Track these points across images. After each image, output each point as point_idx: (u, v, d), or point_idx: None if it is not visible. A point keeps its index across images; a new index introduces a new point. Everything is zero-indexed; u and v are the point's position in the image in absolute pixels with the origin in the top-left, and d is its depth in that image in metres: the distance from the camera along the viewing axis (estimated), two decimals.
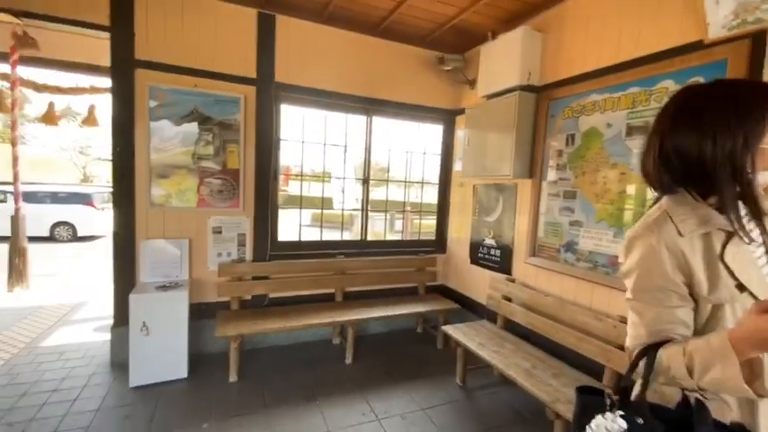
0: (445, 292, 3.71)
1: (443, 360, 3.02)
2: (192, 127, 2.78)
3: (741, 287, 0.76)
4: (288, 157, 3.55)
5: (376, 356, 3.08)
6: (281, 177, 3.35)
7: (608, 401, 0.79)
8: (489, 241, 3.18)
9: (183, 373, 2.58)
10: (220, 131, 2.85)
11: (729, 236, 0.79)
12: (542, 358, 2.37)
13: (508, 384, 2.63)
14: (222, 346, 2.87)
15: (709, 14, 1.70)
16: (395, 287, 3.56)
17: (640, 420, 0.74)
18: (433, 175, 3.88)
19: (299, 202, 3.35)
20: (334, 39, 3.14)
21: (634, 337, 0.84)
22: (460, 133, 3.52)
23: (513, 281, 2.87)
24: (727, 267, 0.77)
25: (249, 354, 2.95)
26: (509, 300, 2.81)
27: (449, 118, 3.72)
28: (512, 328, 2.76)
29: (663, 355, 0.76)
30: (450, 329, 2.75)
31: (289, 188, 3.85)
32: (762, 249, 0.82)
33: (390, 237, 4.11)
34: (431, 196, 3.94)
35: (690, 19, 1.81)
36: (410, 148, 3.76)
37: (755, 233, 0.81)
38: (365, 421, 2.24)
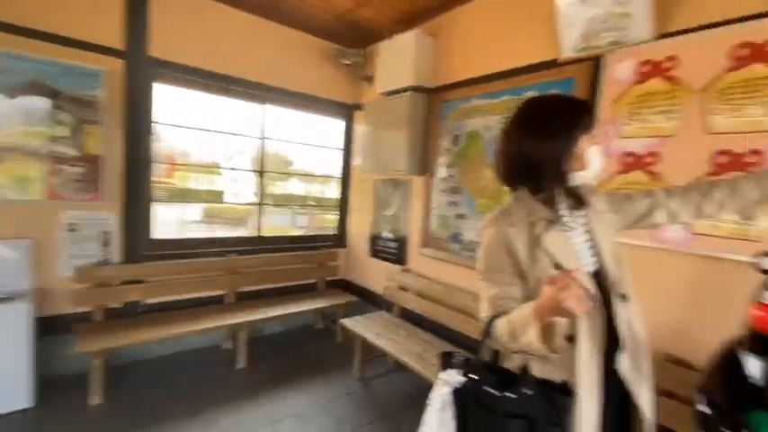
0: (346, 286, 3.73)
1: (342, 353, 3.03)
2: (36, 102, 2.27)
3: (558, 266, 0.91)
4: (172, 145, 3.17)
5: (272, 357, 2.94)
6: (164, 167, 2.97)
7: (455, 361, 0.94)
8: (387, 234, 3.29)
9: (25, 402, 2.11)
10: (75, 109, 2.38)
11: (550, 224, 0.95)
12: (432, 342, 2.54)
13: (402, 370, 2.76)
14: (85, 364, 2.42)
15: (562, 37, 1.99)
16: (294, 284, 3.45)
17: (476, 376, 0.90)
18: (336, 169, 3.85)
19: (185, 195, 3.01)
20: (226, 17, 2.87)
21: (482, 311, 0.98)
22: (360, 128, 3.55)
23: (408, 271, 3.01)
24: (546, 251, 0.93)
25: (120, 370, 2.55)
26: (405, 289, 2.95)
27: (349, 112, 3.72)
28: (407, 316, 2.90)
29: (497, 325, 0.90)
30: (347, 322, 2.77)
31: (175, 180, 3.43)
32: (583, 236, 0.99)
33: (293, 232, 3.99)
34: (334, 191, 3.91)
35: (549, 39, 2.09)
36: (312, 141, 3.67)
37: (577, 222, 0.98)
38: (258, 427, 2.12)
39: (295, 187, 4.42)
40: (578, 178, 0.98)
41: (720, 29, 1.53)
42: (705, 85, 1.56)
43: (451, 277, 2.69)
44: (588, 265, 0.97)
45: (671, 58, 1.65)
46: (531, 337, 0.78)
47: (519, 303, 0.92)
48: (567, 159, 0.94)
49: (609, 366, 0.94)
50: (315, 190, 4.42)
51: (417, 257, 2.98)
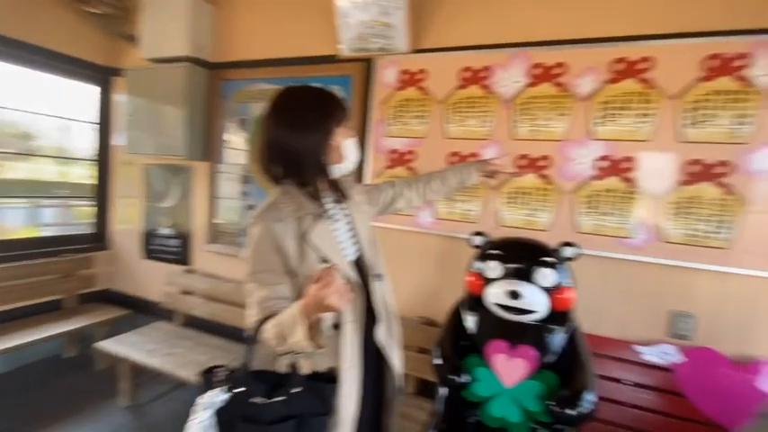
0: (111, 298, 2.98)
1: (106, 383, 2.41)
2: None
3: (325, 260, 0.92)
4: None
5: None
6: None
7: (216, 379, 0.84)
8: (165, 230, 2.79)
9: None
10: None
11: (317, 218, 0.95)
12: (223, 347, 2.32)
13: (188, 384, 2.43)
14: None
15: (341, 34, 2.07)
16: (23, 305, 2.52)
17: (243, 389, 0.82)
18: (91, 149, 2.99)
19: None
20: None
21: (250, 315, 0.90)
22: (122, 99, 2.85)
23: (192, 272, 2.65)
24: (312, 245, 0.92)
25: None
26: (189, 293, 2.57)
27: (104, 78, 2.93)
28: (192, 323, 2.54)
29: (265, 329, 0.84)
30: (107, 344, 2.21)
31: None
32: (345, 227, 1.04)
33: (29, 234, 2.91)
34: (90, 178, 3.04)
35: (332, 34, 2.13)
36: (55, 111, 2.73)
37: (340, 214, 1.02)
38: None
39: (38, 171, 3.24)
40: (337, 170, 1.01)
41: (454, 53, 1.90)
42: (444, 98, 1.92)
43: (242, 274, 2.50)
44: (350, 254, 1.03)
45: (422, 71, 1.96)
46: (299, 335, 0.76)
47: (290, 302, 0.88)
48: (324, 151, 0.95)
49: (368, 337, 1.02)
50: (68, 175, 3.36)
51: (203, 255, 2.65)
